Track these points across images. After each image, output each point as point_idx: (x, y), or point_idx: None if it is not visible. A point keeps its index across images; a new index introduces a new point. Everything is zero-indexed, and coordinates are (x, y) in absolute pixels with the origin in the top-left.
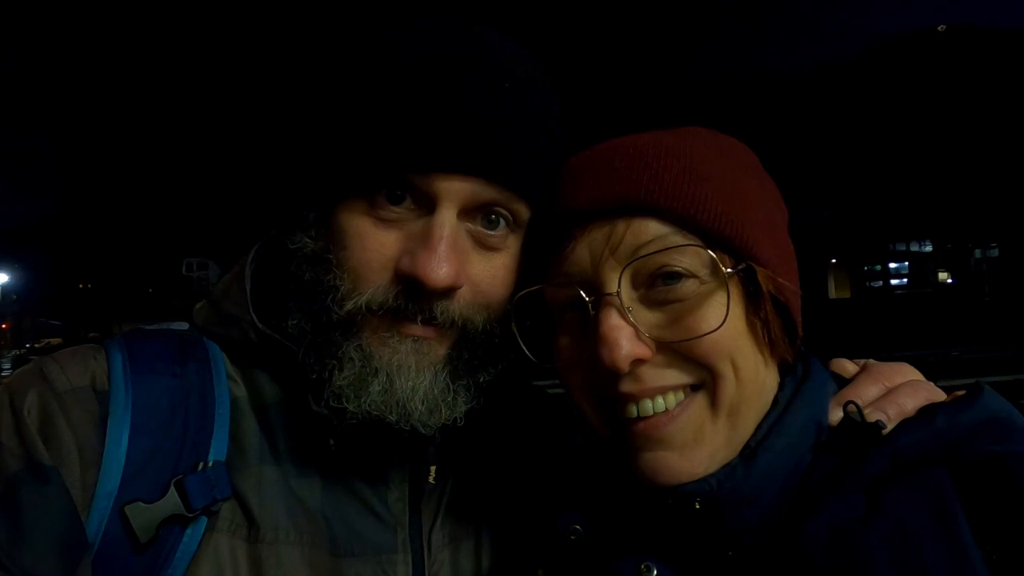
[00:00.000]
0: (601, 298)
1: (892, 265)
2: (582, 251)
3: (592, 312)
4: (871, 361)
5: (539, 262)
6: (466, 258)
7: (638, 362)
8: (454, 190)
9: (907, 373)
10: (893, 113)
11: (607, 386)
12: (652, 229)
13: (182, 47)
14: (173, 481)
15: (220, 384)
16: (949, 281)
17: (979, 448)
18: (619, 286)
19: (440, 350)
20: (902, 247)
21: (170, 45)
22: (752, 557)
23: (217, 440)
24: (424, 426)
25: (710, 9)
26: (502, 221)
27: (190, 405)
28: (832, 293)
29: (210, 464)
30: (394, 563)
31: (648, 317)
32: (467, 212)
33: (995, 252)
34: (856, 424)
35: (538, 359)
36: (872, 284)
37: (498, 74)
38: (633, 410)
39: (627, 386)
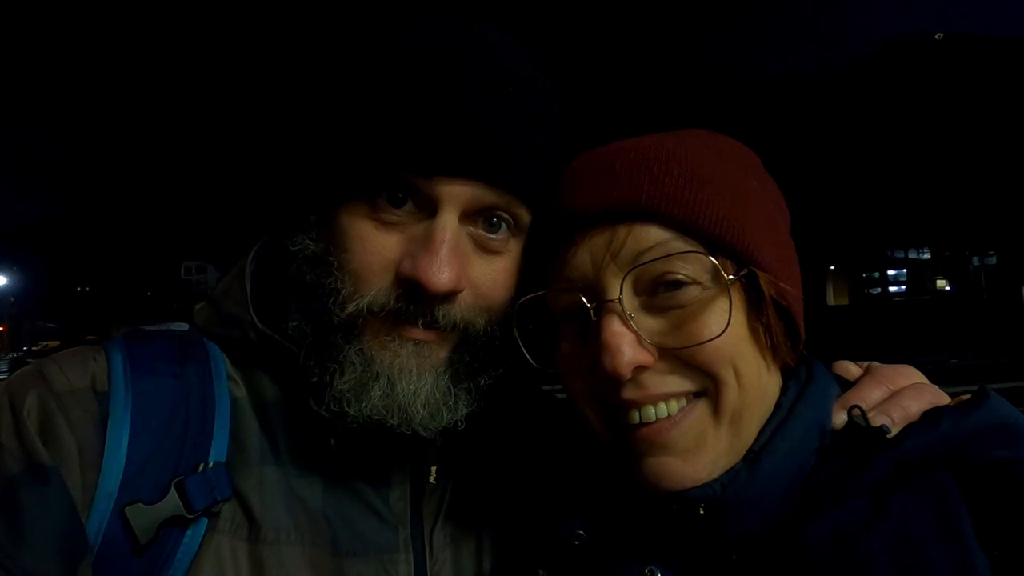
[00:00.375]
0: (603, 304)
1: (890, 272)
2: (583, 256)
3: (594, 318)
4: (874, 364)
5: (540, 266)
6: (467, 262)
7: (640, 368)
8: (456, 193)
9: (911, 376)
10: (892, 120)
11: (609, 392)
12: (653, 235)
13: (183, 48)
14: (173, 482)
15: (220, 384)
16: (947, 288)
17: (985, 453)
18: (621, 292)
19: (441, 353)
20: (900, 254)
21: (170, 46)
22: (756, 561)
23: (217, 440)
24: (425, 430)
25: (709, 10)
26: (503, 225)
27: (190, 405)
28: (830, 300)
29: (210, 465)
30: (396, 562)
31: (650, 323)
32: (468, 215)
33: (993, 260)
34: (860, 428)
35: (541, 364)
36: (870, 291)
37: (498, 75)
38: (635, 416)
39: (629, 392)
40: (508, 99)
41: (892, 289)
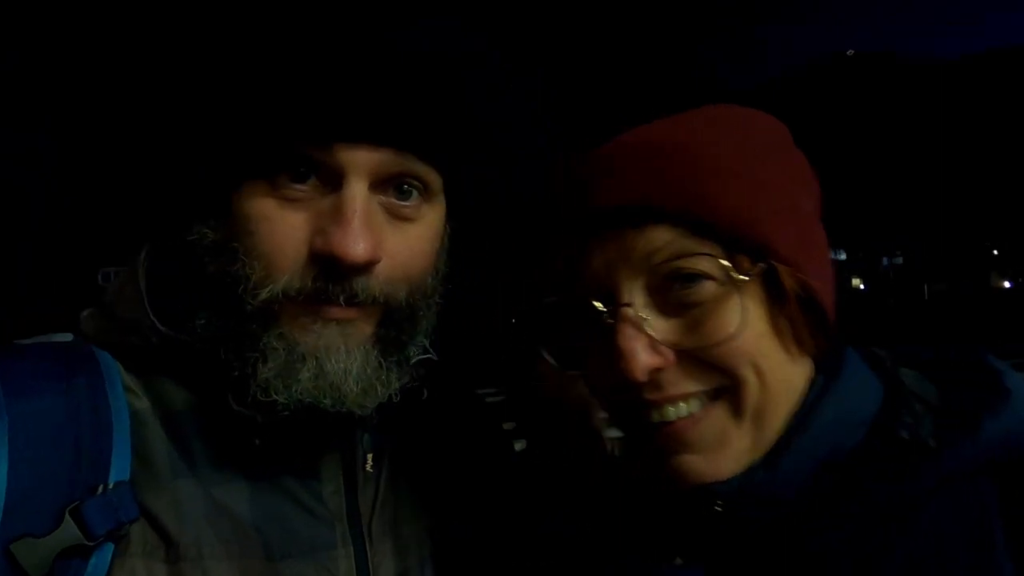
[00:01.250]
0: (616, 309)
1: None
2: (595, 261)
3: (608, 322)
4: None
5: (555, 269)
6: (381, 231)
7: (657, 370)
8: (360, 161)
9: None
10: (812, 133)
11: (627, 394)
12: (661, 236)
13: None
14: (68, 509)
15: (116, 397)
16: (861, 287)
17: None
18: (633, 296)
19: (367, 329)
20: None
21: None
22: (776, 556)
23: (118, 458)
24: (360, 407)
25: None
26: (414, 191)
27: (81, 423)
28: None
29: (111, 486)
30: (335, 559)
31: (665, 325)
32: (377, 185)
33: (900, 260)
34: (898, 438)
35: (563, 366)
36: None
37: (387, 34)
38: (655, 416)
39: (648, 394)
40: (403, 58)
41: None
